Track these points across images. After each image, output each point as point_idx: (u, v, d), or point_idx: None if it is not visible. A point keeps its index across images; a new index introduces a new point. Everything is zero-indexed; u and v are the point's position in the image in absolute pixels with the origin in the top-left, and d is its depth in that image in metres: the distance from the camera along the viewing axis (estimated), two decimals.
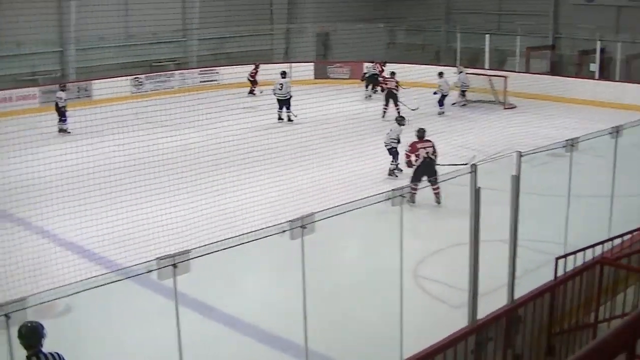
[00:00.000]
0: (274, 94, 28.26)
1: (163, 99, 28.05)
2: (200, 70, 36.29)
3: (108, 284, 6.31)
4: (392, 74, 30.20)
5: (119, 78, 31.49)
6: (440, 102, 29.40)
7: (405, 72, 30.51)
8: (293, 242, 7.23)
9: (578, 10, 36.27)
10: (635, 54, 33.29)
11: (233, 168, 18.19)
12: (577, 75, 34.06)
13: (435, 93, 29.39)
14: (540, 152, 10.11)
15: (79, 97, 28.93)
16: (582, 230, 11.14)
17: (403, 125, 19.84)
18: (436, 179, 16.60)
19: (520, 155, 8.80)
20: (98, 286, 6.18)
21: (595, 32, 33.11)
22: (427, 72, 30.82)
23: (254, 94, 33.12)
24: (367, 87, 33.36)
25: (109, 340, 11.04)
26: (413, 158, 17.51)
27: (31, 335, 7.11)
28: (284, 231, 7.18)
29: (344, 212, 7.55)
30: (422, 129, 17.99)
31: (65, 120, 26.13)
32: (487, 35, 35.28)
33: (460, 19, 40.12)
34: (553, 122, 25.46)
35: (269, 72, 32.77)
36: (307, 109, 25.48)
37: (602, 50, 32.46)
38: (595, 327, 8.79)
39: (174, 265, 6.45)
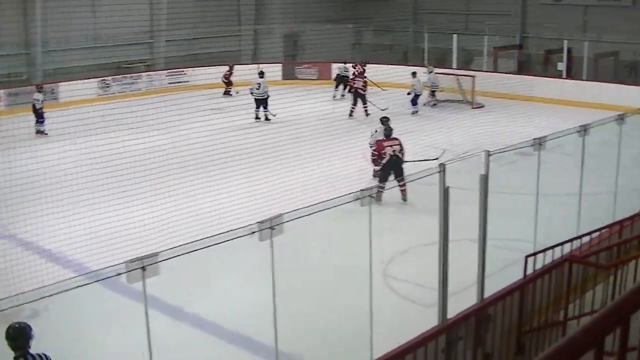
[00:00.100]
0: (252, 93, 28.39)
1: (130, 101, 27.87)
2: (168, 72, 36.11)
3: (76, 287, 6.25)
4: (361, 73, 30.30)
5: (86, 80, 31.27)
6: (414, 102, 29.47)
7: (373, 72, 30.63)
8: (263, 243, 7.22)
9: (545, 9, 36.57)
10: (602, 53, 33.58)
11: (202, 170, 18.12)
12: (544, 75, 34.28)
13: (409, 93, 29.49)
14: (508, 151, 10.13)
15: (45, 100, 28.64)
16: (551, 229, 11.21)
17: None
18: (403, 177, 16.64)
19: (489, 154, 8.81)
20: (66, 290, 6.11)
21: (562, 32, 33.38)
22: (395, 73, 30.92)
23: (230, 95, 33.17)
24: (336, 87, 33.33)
25: (77, 345, 10.93)
26: (380, 156, 17.56)
27: (19, 337, 7.07)
28: (253, 232, 7.16)
29: (313, 213, 7.53)
30: (389, 127, 18.09)
31: (43, 121, 26.07)
32: (454, 35, 35.43)
33: (427, 19, 40.21)
34: (521, 121, 25.57)
35: (237, 73, 33.06)
36: (278, 110, 25.56)
37: (569, 50, 32.70)
38: (564, 325, 8.83)
39: (143, 268, 6.40)
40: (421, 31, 38.53)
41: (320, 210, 7.57)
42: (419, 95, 29.63)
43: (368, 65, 31.77)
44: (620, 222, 11.23)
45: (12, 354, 7.13)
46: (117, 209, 15.55)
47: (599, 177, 13.50)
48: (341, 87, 33.03)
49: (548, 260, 9.65)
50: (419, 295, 12.01)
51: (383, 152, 17.45)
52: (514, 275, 9.62)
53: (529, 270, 9.45)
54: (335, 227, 12.65)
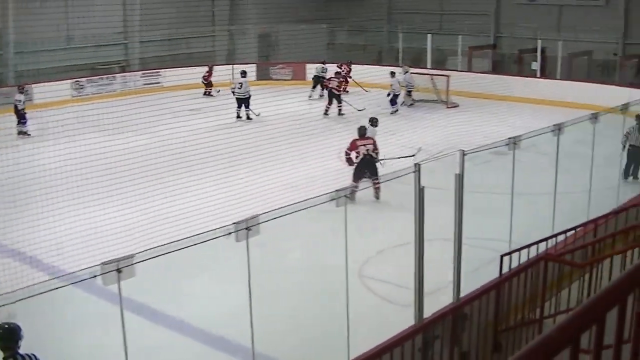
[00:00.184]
0: (233, 93, 28.39)
1: (105, 102, 27.69)
2: (143, 73, 35.95)
3: (52, 290, 6.22)
4: (337, 74, 30.37)
5: (60, 82, 31.06)
6: (393, 102, 29.56)
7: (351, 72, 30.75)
8: (239, 244, 7.21)
9: (520, 9, 36.83)
10: (576, 53, 33.79)
11: (179, 171, 18.06)
12: (518, 74, 34.42)
13: (388, 94, 29.58)
14: (483, 150, 10.16)
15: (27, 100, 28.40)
16: (526, 228, 11.26)
17: (376, 126, 19.75)
18: (377, 176, 16.70)
19: (464, 153, 8.83)
20: (41, 293, 6.09)
21: (536, 31, 33.55)
22: (370, 73, 30.99)
23: (211, 95, 33.17)
24: (314, 87, 33.27)
25: (53, 348, 10.82)
26: (353, 155, 17.58)
27: (8, 337, 7.04)
28: (230, 233, 7.15)
29: (289, 214, 7.53)
30: (364, 126, 18.14)
31: (25, 122, 25.98)
32: (429, 35, 35.49)
33: (402, 18, 40.33)
34: (495, 120, 25.66)
35: (214, 73, 33.07)
36: (256, 110, 25.51)
37: (543, 49, 32.88)
38: (540, 323, 8.87)
39: (119, 270, 6.38)
40: (395, 31, 38.64)
41: (296, 211, 7.57)
42: (397, 95, 29.72)
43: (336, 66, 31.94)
44: (595, 221, 11.29)
45: (1, 354, 7.10)
46: (94, 211, 15.45)
47: (574, 176, 13.59)
48: (318, 87, 33.02)
49: (523, 259, 9.68)
50: (395, 295, 12.02)
51: (357, 151, 17.48)
52: (490, 274, 9.65)
53: (505, 269, 9.49)
54: (312, 227, 12.66)
